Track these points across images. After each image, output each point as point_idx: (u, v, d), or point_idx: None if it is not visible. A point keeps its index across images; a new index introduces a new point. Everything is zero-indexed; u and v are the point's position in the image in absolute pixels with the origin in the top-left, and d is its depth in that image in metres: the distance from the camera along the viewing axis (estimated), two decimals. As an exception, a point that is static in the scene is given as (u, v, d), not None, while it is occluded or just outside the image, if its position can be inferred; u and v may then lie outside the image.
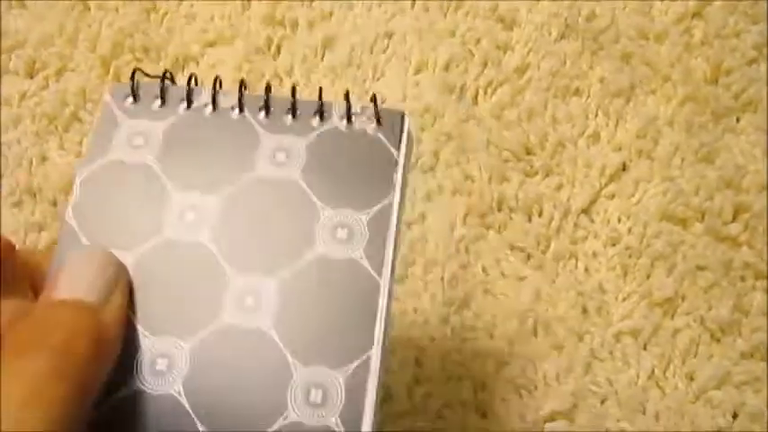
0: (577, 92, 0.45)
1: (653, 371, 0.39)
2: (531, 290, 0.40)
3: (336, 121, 0.25)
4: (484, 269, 0.41)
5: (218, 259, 0.23)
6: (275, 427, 0.20)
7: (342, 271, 0.23)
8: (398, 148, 0.25)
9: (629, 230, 0.41)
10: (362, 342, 0.22)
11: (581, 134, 0.44)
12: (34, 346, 0.19)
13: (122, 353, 0.21)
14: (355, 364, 0.21)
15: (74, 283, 0.21)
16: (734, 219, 0.42)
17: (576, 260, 0.41)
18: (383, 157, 0.24)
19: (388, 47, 0.47)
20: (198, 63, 0.46)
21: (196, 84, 0.25)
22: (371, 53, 0.46)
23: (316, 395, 0.21)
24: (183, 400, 0.21)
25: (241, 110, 0.25)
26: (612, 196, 0.42)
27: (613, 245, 0.41)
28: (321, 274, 0.23)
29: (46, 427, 0.18)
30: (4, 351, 0.19)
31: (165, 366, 0.21)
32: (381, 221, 0.23)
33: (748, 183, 0.42)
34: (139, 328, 0.22)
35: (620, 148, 0.43)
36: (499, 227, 0.42)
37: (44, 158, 0.43)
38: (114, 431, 0.21)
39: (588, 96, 0.45)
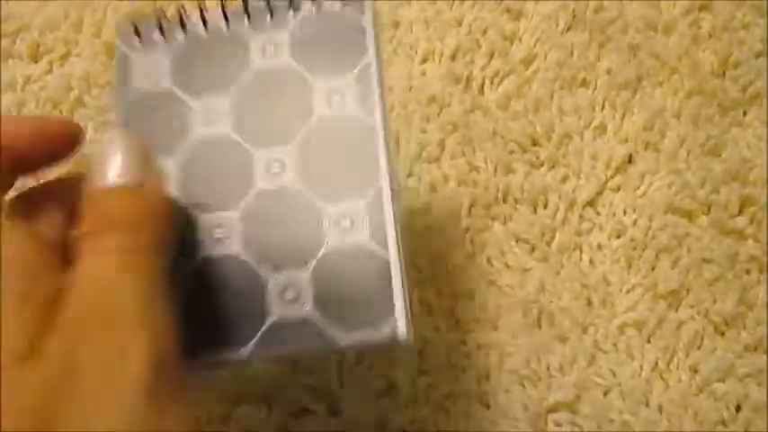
0: (584, 83, 0.45)
1: (657, 363, 0.39)
2: (536, 281, 0.40)
3: (309, 8, 0.29)
4: (489, 260, 0.40)
5: (242, 143, 0.28)
6: (320, 254, 0.26)
7: (341, 125, 0.28)
8: (363, 14, 0.29)
9: (635, 223, 0.41)
10: (372, 176, 0.26)
11: (587, 126, 0.44)
12: (104, 230, 0.22)
13: (185, 231, 0.26)
14: (371, 192, 0.26)
15: (111, 168, 0.23)
16: (740, 212, 0.42)
17: (581, 252, 0.41)
18: (354, 27, 0.29)
19: (394, 36, 0.46)
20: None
21: (185, 13, 0.29)
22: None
23: (345, 223, 0.26)
24: (243, 256, 0.26)
25: (227, 22, 0.29)
26: (618, 188, 0.42)
27: (618, 237, 0.41)
28: (325, 132, 0.27)
29: (142, 291, 0.21)
30: (82, 244, 0.22)
31: (222, 234, 0.26)
32: (366, 79, 0.28)
33: (755, 176, 0.42)
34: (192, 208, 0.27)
35: (626, 140, 0.43)
36: (504, 218, 0.41)
37: (48, 144, 0.43)
38: (192, 294, 0.26)
39: (595, 88, 0.45)
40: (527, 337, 0.39)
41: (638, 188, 0.42)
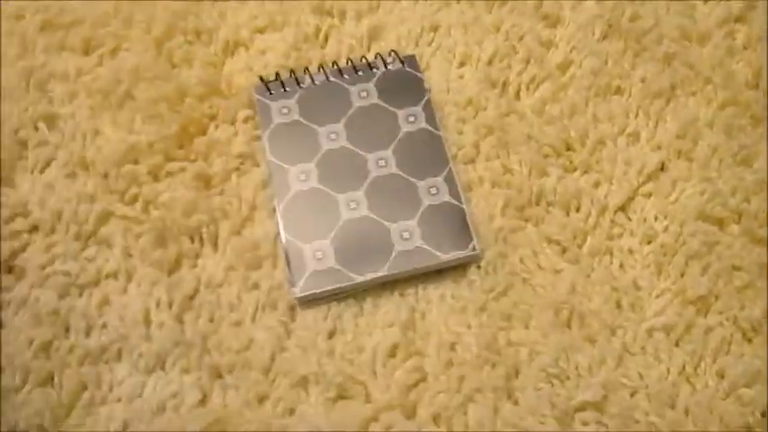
0: (619, 91, 0.46)
1: (684, 367, 0.39)
2: (567, 283, 0.41)
3: (382, 67, 0.46)
4: (521, 260, 0.41)
5: (357, 150, 0.43)
6: (421, 209, 0.42)
7: (418, 135, 0.44)
8: (419, 72, 0.46)
9: (666, 229, 0.42)
10: (443, 162, 0.43)
11: (621, 132, 0.45)
12: None
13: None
14: (444, 171, 0.43)
15: None
16: (770, 222, 0.42)
17: (612, 256, 0.42)
18: (413, 76, 0.45)
19: (433, 39, 0.47)
20: (248, 48, 0.47)
21: (295, 74, 0.46)
22: (417, 45, 0.47)
23: (433, 190, 0.42)
24: (372, 215, 0.41)
25: (328, 79, 0.45)
26: (650, 195, 0.43)
27: (649, 242, 0.42)
28: (409, 139, 0.44)
29: None
30: None
31: (354, 205, 0.42)
32: (428, 106, 0.44)
33: (786, 187, 0.43)
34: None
35: (659, 148, 0.44)
36: (537, 220, 0.42)
37: (97, 133, 0.44)
38: (343, 239, 0.41)
39: (629, 96, 0.46)
40: (557, 337, 0.39)
41: (670, 195, 0.43)
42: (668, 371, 0.39)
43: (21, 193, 0.42)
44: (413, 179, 0.42)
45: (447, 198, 0.42)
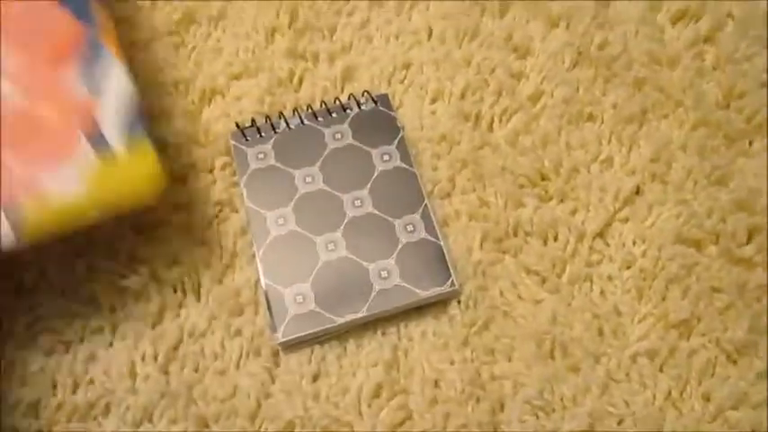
0: (591, 118, 0.46)
1: (669, 392, 0.39)
2: (548, 312, 0.41)
3: (355, 108, 0.46)
4: (501, 292, 0.42)
5: (333, 191, 0.44)
6: (398, 247, 0.42)
7: (393, 173, 0.44)
8: (392, 111, 0.46)
9: (644, 253, 0.42)
10: (418, 199, 0.43)
11: (594, 159, 0.45)
12: None
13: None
14: (420, 208, 0.43)
15: None
16: (748, 241, 0.42)
17: (592, 283, 0.42)
18: (386, 116, 0.46)
19: (405, 77, 0.48)
20: (224, 95, 0.48)
21: (270, 120, 0.46)
22: (389, 84, 0.48)
23: (409, 227, 0.42)
24: (350, 255, 0.42)
25: (302, 123, 0.46)
26: (627, 220, 0.43)
27: (628, 268, 0.42)
28: (384, 178, 0.44)
29: None
30: None
31: (332, 246, 0.42)
32: (402, 145, 0.45)
33: (762, 205, 0.43)
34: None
35: (633, 173, 0.44)
36: (515, 251, 0.43)
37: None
38: (322, 281, 0.41)
39: (602, 122, 0.46)
40: (540, 368, 0.39)
41: (647, 219, 0.43)
42: (654, 396, 0.39)
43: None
44: (389, 218, 0.42)
45: (424, 235, 0.42)
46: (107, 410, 0.39)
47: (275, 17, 0.50)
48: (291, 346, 0.41)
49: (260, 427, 0.39)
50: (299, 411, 0.39)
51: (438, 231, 0.42)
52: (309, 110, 0.46)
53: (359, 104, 0.46)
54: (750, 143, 0.45)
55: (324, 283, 0.41)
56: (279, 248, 0.42)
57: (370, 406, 0.39)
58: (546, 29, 0.50)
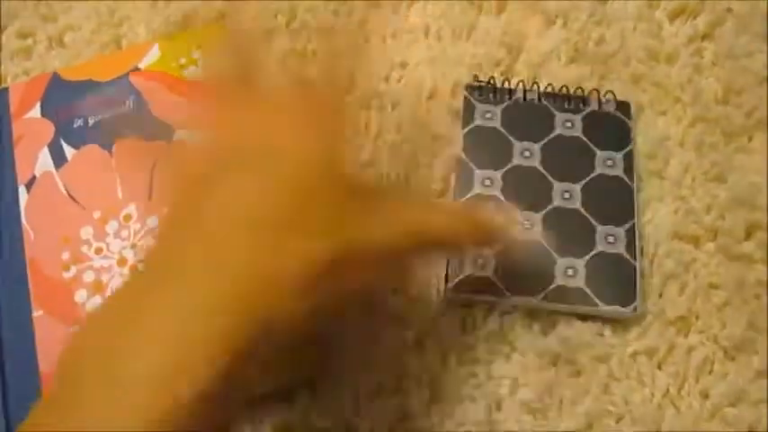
0: (588, 115, 0.46)
1: (668, 389, 0.39)
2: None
3: (594, 105, 0.46)
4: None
5: (547, 175, 0.43)
6: (592, 253, 0.41)
7: (610, 181, 0.43)
8: (629, 119, 0.45)
9: (641, 250, 0.42)
10: (629, 216, 0.42)
11: (592, 156, 0.45)
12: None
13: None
14: (628, 224, 0.42)
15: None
16: (747, 237, 0.42)
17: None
18: (622, 123, 0.45)
19: (402, 75, 0.48)
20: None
21: (509, 84, 0.47)
22: (387, 82, 0.48)
23: (610, 239, 0.42)
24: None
25: (539, 99, 0.46)
26: (624, 217, 0.43)
27: (626, 265, 0.42)
28: (600, 182, 0.43)
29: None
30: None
31: (528, 225, 0.42)
32: (629, 158, 0.44)
33: (761, 201, 0.43)
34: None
35: (631, 169, 0.44)
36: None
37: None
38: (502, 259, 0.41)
39: (599, 119, 0.46)
40: (540, 371, 0.39)
41: (644, 215, 0.43)
42: (652, 394, 0.39)
43: None
44: (594, 222, 0.42)
45: (622, 251, 0.41)
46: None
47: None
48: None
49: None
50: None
51: (638, 253, 0.41)
52: (549, 88, 0.46)
53: (600, 102, 0.46)
54: (749, 139, 0.45)
55: (507, 257, 0.41)
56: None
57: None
58: (543, 26, 0.49)
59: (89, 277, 0.41)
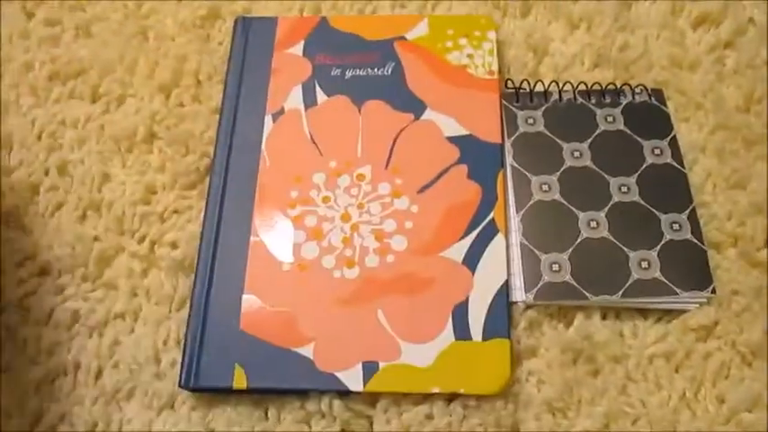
0: (611, 119, 0.47)
1: (684, 393, 0.39)
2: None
3: (630, 96, 0.46)
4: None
5: (600, 172, 0.44)
6: (662, 242, 0.41)
7: (662, 169, 0.44)
8: (665, 107, 0.46)
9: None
10: (686, 200, 0.43)
11: (614, 160, 0.45)
12: None
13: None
14: (688, 209, 0.42)
15: None
16: (766, 244, 0.42)
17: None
18: (660, 111, 0.46)
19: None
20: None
21: (545, 87, 0.47)
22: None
23: (675, 226, 0.42)
24: (611, 238, 0.41)
25: (574, 99, 0.46)
26: (645, 221, 0.43)
27: (646, 268, 0.42)
28: (653, 170, 0.44)
29: None
30: None
31: (594, 224, 0.42)
32: (674, 144, 0.45)
33: (780, 209, 0.43)
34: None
35: (652, 174, 0.45)
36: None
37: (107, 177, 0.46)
38: (581, 259, 0.41)
39: (621, 124, 0.46)
40: (562, 368, 0.40)
41: (665, 221, 0.43)
42: (669, 397, 0.39)
43: (32, 237, 0.44)
44: (656, 211, 0.42)
45: (689, 236, 0.41)
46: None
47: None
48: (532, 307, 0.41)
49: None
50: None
51: (704, 236, 0.42)
52: (582, 86, 0.46)
53: (633, 94, 0.46)
54: (769, 147, 0.46)
55: (582, 259, 0.41)
56: (540, 214, 0.42)
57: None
58: (567, 30, 0.50)
59: (311, 222, 0.42)
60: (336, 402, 0.38)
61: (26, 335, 0.41)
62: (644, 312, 0.41)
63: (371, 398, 0.39)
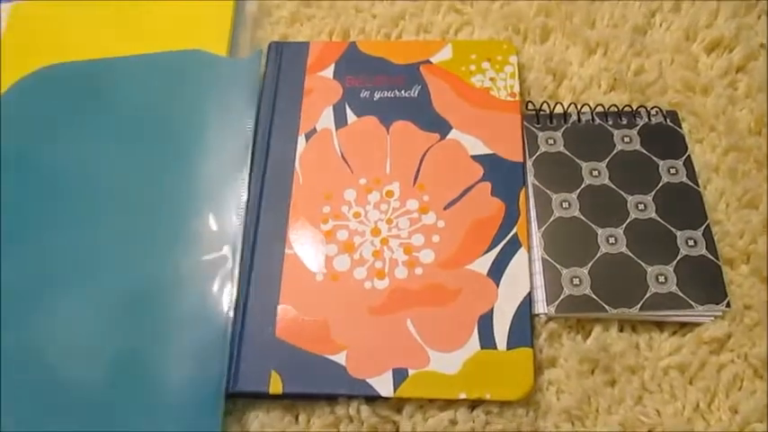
0: (627, 140, 0.49)
1: (698, 404, 0.41)
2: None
3: (645, 118, 0.48)
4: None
5: (618, 190, 0.46)
6: (678, 257, 0.43)
7: (678, 187, 0.46)
8: (680, 128, 0.48)
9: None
10: (701, 218, 0.45)
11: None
12: None
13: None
14: (703, 226, 0.44)
15: None
16: (777, 261, 0.44)
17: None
18: (675, 132, 0.48)
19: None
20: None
21: (564, 109, 0.49)
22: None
23: (690, 242, 0.44)
24: (629, 253, 0.43)
25: (592, 120, 0.48)
26: (661, 238, 0.45)
27: (662, 284, 0.44)
28: (669, 190, 0.46)
29: None
30: None
31: (613, 240, 0.44)
32: (688, 164, 0.47)
33: (791, 228, 0.45)
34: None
35: (667, 193, 0.46)
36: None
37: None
38: (600, 273, 0.43)
39: (637, 145, 0.48)
40: (580, 378, 0.41)
41: (680, 238, 0.45)
42: (683, 407, 0.41)
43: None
44: (671, 228, 0.44)
45: (704, 252, 0.43)
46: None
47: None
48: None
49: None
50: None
51: (719, 252, 0.44)
52: (599, 109, 0.49)
53: (649, 116, 0.48)
54: (780, 168, 0.47)
55: (601, 273, 0.43)
56: (560, 230, 0.44)
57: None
58: (584, 55, 0.52)
59: (342, 236, 0.44)
60: (364, 407, 0.40)
61: None
62: (660, 325, 0.43)
63: (398, 403, 0.41)
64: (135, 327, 0.41)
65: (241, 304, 0.42)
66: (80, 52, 0.51)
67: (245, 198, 0.45)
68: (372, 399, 0.40)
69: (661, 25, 0.54)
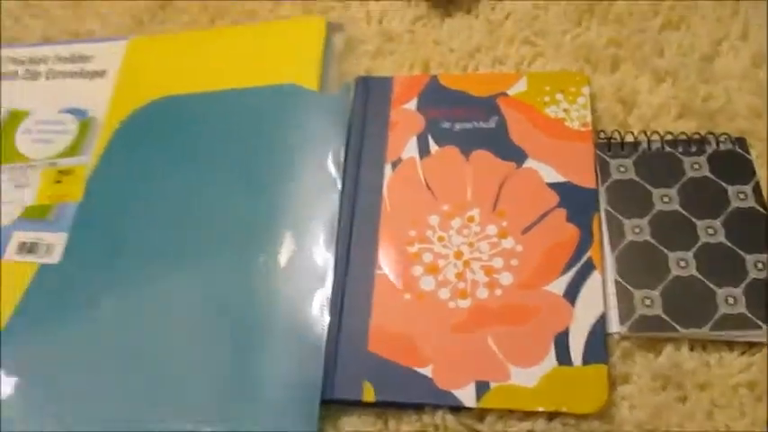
0: (696, 166, 0.51)
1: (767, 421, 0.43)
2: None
3: (713, 146, 0.51)
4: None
5: (688, 216, 0.48)
6: (747, 280, 0.45)
7: (746, 213, 0.48)
8: (749, 154, 0.51)
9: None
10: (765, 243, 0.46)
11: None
12: None
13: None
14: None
15: None
16: None
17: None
18: (743, 158, 0.50)
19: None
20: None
21: (635, 137, 0.52)
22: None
23: (759, 265, 0.45)
24: (699, 276, 0.46)
25: (663, 147, 0.51)
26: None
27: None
28: (738, 215, 0.48)
29: None
30: None
31: (683, 263, 0.46)
32: (758, 189, 0.48)
33: None
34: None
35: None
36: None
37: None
38: (671, 297, 0.45)
39: (707, 170, 0.50)
40: (651, 394, 0.44)
41: (748, 261, 0.47)
42: (753, 423, 0.43)
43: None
44: (740, 251, 0.46)
45: None
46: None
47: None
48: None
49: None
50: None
51: None
52: (669, 136, 0.51)
53: (718, 142, 0.51)
54: None
55: (672, 295, 0.45)
56: (632, 253, 0.47)
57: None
58: (653, 83, 0.55)
59: (427, 258, 0.48)
60: (449, 417, 0.44)
61: None
62: (730, 345, 0.45)
63: (481, 413, 0.44)
64: (239, 339, 0.47)
65: (336, 319, 0.47)
66: (185, 85, 0.57)
67: (337, 221, 0.50)
68: (456, 409, 0.44)
69: (728, 53, 0.56)
